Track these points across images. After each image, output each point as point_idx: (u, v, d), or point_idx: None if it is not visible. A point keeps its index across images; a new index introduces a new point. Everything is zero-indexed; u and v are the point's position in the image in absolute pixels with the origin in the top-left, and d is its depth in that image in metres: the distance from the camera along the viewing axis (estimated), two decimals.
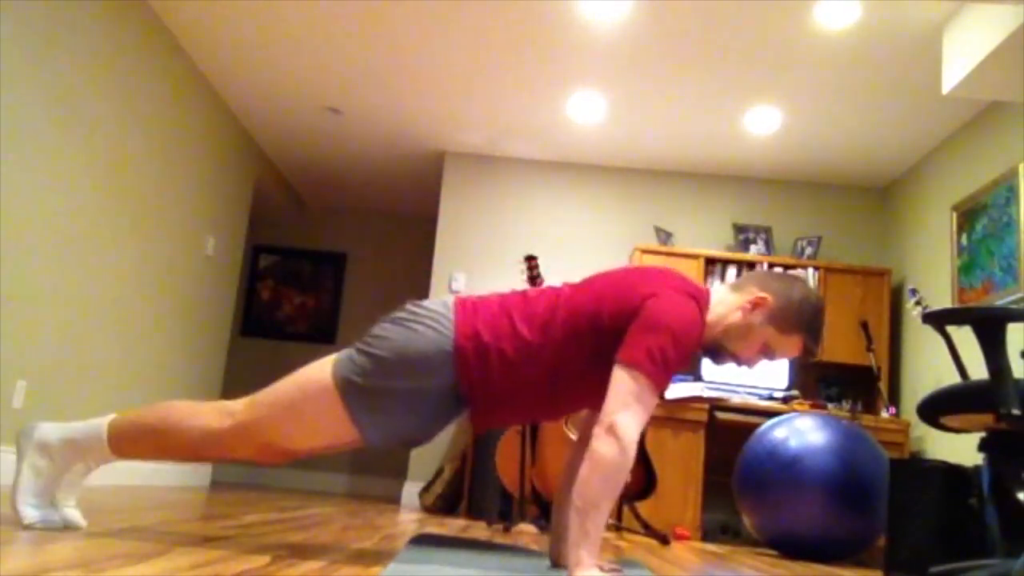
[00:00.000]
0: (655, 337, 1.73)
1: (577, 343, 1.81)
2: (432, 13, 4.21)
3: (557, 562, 2.06)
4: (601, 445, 1.67)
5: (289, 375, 1.86)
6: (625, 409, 1.68)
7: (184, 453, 1.84)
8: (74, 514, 1.84)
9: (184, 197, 4.97)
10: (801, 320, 1.90)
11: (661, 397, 1.77)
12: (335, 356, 1.86)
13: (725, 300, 1.93)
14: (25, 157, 3.48)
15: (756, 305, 1.90)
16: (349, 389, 1.79)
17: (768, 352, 1.93)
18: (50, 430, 1.83)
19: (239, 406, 1.83)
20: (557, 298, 1.87)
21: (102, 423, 1.84)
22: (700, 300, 1.84)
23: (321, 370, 1.83)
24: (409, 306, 1.89)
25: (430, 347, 1.81)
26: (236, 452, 1.84)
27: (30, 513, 1.78)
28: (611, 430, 1.67)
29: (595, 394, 1.85)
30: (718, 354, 1.93)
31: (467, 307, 1.87)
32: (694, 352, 1.82)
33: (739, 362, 1.94)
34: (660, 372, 1.71)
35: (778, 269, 5.43)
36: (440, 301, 1.90)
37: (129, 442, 1.83)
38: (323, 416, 1.81)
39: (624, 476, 1.68)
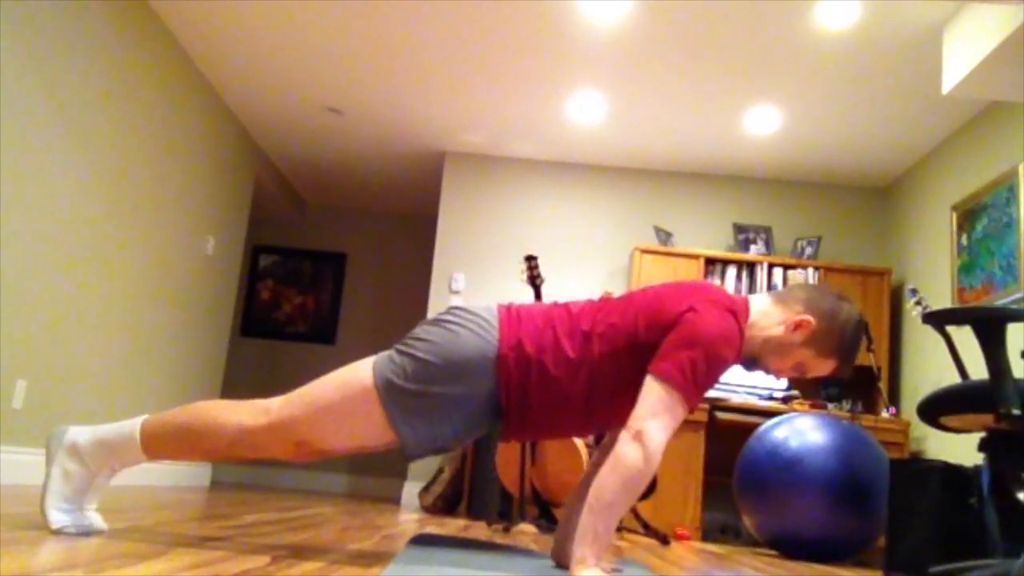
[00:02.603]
0: (689, 351, 1.72)
1: (614, 360, 1.80)
2: (432, 13, 4.20)
3: (560, 562, 2.05)
4: (627, 449, 1.66)
5: (327, 374, 1.85)
6: (654, 418, 1.67)
7: (218, 452, 1.82)
8: (96, 517, 1.83)
9: (184, 197, 4.97)
10: (841, 347, 1.90)
11: (691, 411, 1.76)
12: (375, 357, 1.85)
13: (768, 312, 1.91)
14: (25, 157, 3.48)
15: (799, 326, 1.88)
16: (389, 390, 1.78)
17: (801, 369, 1.93)
18: (80, 432, 1.81)
19: (275, 404, 1.81)
20: (597, 314, 1.85)
21: (134, 424, 1.82)
22: (739, 313, 1.82)
23: (361, 370, 1.82)
24: (453, 309, 1.87)
25: (473, 352, 1.79)
26: (270, 450, 1.82)
27: (60, 518, 1.75)
28: (638, 436, 1.66)
29: (628, 412, 1.84)
30: (753, 365, 1.93)
31: (512, 315, 1.86)
32: (731, 365, 1.81)
33: (769, 373, 1.94)
34: (691, 387, 1.71)
35: (778, 270, 5.43)
36: (483, 306, 1.88)
37: (163, 442, 1.81)
38: (360, 417, 1.79)
39: (644, 484, 1.67)
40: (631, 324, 1.81)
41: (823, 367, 1.93)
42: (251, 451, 1.82)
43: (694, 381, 1.71)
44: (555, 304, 1.92)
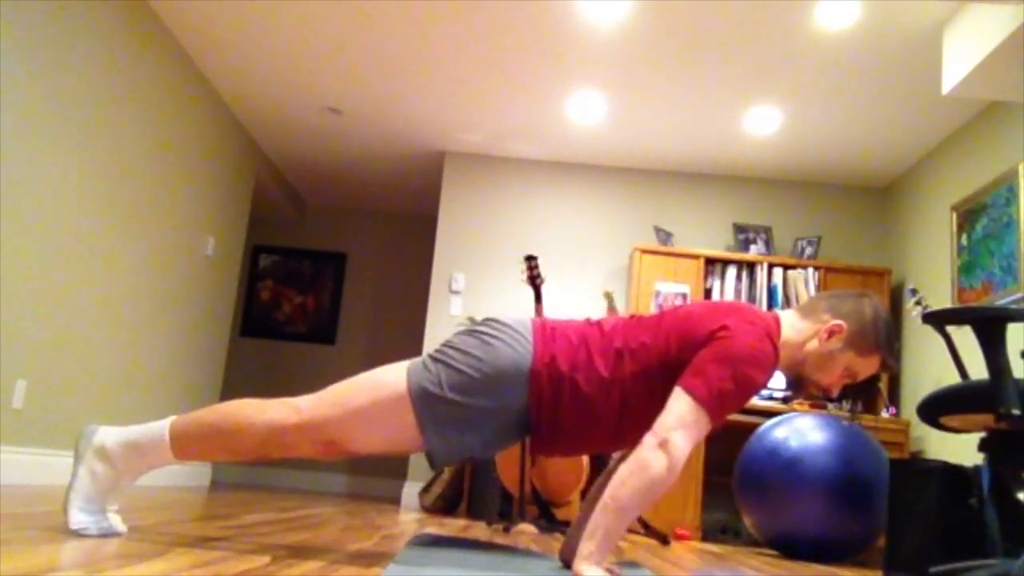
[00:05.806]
0: (719, 370, 1.72)
1: (646, 379, 1.80)
2: (433, 13, 4.20)
3: (568, 561, 2.05)
4: (650, 455, 1.66)
5: (359, 375, 1.85)
6: (681, 428, 1.68)
7: (247, 452, 1.82)
8: (116, 519, 1.83)
9: (184, 197, 4.97)
10: (879, 339, 1.91)
11: (713, 429, 1.76)
12: (409, 362, 1.86)
13: (796, 327, 1.92)
14: (25, 157, 3.48)
15: (832, 333, 1.90)
16: (422, 397, 1.79)
17: (850, 375, 1.93)
18: (109, 434, 1.81)
19: (306, 403, 1.82)
20: (629, 332, 1.86)
21: (163, 425, 1.82)
22: (773, 335, 1.82)
23: (395, 374, 1.82)
24: (488, 320, 1.89)
25: (507, 365, 1.80)
26: (298, 449, 1.82)
27: (82, 519, 1.75)
28: (664, 445, 1.66)
29: None
30: (800, 384, 1.94)
31: (546, 331, 1.86)
32: (762, 388, 1.80)
33: (822, 389, 1.94)
34: (715, 405, 1.71)
35: (778, 270, 5.43)
36: (516, 319, 1.89)
37: (193, 443, 1.81)
38: (392, 421, 1.80)
39: (662, 492, 1.67)
40: (663, 342, 1.81)
41: (870, 365, 1.93)
42: (280, 450, 1.82)
43: (720, 400, 1.71)
44: (588, 321, 1.92)
